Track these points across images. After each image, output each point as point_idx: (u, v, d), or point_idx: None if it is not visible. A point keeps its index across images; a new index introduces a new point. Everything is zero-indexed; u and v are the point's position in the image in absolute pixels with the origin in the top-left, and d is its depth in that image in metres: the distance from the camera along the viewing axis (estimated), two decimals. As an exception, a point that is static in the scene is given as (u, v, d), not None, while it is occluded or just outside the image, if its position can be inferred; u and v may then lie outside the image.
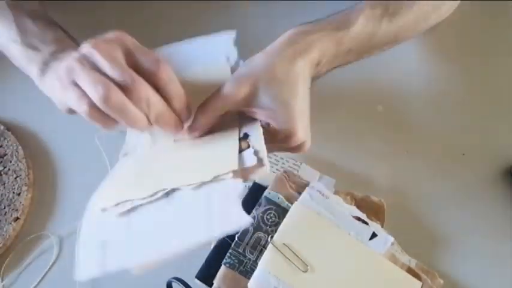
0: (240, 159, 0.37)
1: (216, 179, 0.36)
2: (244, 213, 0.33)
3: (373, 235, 0.46)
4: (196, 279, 0.45)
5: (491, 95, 0.56)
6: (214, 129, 0.42)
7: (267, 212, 0.46)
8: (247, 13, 0.62)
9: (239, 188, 0.35)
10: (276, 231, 0.45)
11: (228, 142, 0.40)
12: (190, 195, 0.36)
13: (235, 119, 0.42)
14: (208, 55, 0.49)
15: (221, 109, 0.41)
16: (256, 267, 0.44)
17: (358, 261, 0.45)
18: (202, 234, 0.33)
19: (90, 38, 0.37)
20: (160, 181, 0.37)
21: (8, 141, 0.55)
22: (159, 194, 0.36)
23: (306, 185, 0.48)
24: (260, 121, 0.42)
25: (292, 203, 0.47)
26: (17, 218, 0.51)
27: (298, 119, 0.41)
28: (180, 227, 0.35)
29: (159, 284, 0.44)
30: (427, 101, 0.56)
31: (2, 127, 0.56)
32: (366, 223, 0.46)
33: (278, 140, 0.42)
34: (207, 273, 0.45)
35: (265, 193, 0.48)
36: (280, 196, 0.47)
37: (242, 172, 0.37)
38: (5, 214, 0.51)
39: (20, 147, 0.55)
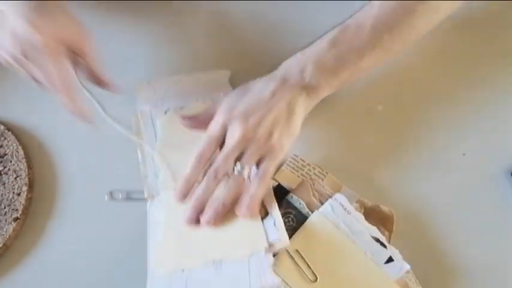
0: (265, 232, 0.44)
1: (252, 254, 0.44)
2: (275, 279, 0.42)
3: (389, 259, 0.44)
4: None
5: (491, 95, 0.56)
6: None
7: (286, 215, 0.46)
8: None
9: (270, 260, 0.43)
10: (291, 236, 0.45)
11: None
12: (235, 265, 0.44)
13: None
14: (206, 91, 0.56)
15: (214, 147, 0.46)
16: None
17: (369, 283, 0.43)
18: None
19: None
20: (206, 252, 0.45)
21: (8, 141, 0.55)
22: (209, 263, 0.44)
23: (330, 196, 0.48)
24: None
25: (312, 211, 0.46)
26: (17, 218, 0.51)
27: None
28: None
29: None
30: (427, 100, 0.56)
31: (2, 127, 0.56)
32: (385, 246, 0.45)
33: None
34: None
35: (288, 196, 0.47)
36: (302, 202, 0.47)
37: (270, 247, 0.44)
38: (5, 214, 0.51)
39: (20, 147, 0.55)
